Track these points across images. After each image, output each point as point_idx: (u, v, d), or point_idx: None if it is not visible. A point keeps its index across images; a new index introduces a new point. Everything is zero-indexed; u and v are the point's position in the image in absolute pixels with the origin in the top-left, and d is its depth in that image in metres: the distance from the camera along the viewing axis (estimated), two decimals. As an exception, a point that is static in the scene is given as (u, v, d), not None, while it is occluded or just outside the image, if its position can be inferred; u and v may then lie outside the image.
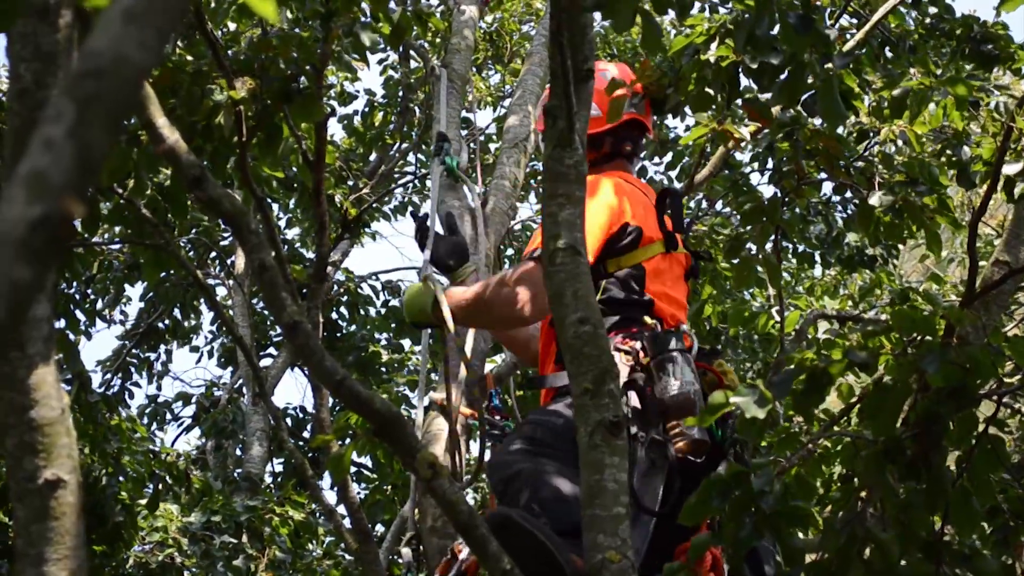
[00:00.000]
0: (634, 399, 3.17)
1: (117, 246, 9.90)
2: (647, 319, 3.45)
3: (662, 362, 3.21)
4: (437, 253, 3.93)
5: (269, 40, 4.28)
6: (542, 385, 3.53)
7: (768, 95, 3.74)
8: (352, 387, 2.07)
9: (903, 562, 2.28)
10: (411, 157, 13.04)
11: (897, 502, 2.27)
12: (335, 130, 18.66)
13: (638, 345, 3.29)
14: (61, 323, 8.55)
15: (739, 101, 4.11)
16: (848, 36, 5.65)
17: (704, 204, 9.43)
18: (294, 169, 7.88)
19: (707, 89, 3.84)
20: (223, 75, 4.23)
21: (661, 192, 3.78)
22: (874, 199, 4.64)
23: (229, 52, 4.79)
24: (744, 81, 3.86)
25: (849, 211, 7.97)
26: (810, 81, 3.26)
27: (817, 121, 4.65)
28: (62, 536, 1.97)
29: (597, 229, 3.44)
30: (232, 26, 7.19)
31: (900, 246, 8.04)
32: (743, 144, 5.65)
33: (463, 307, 3.50)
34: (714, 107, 4.14)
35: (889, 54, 6.43)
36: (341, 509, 6.15)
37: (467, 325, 3.72)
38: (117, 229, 8.18)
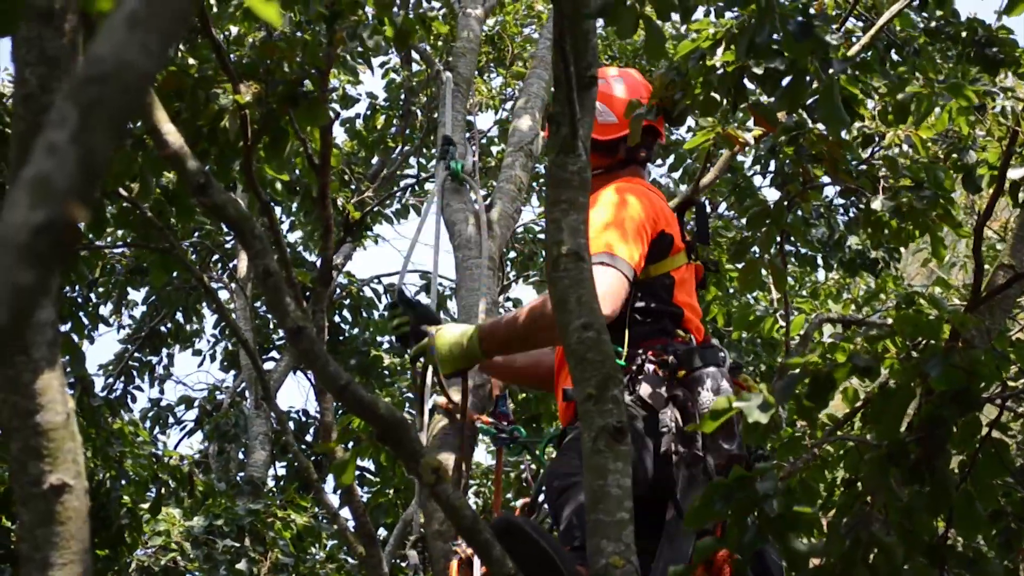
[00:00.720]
0: (676, 415, 3.18)
1: (120, 249, 9.90)
2: (680, 332, 3.45)
3: (700, 376, 3.22)
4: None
5: (274, 43, 4.28)
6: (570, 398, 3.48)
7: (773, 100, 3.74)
8: (356, 392, 2.07)
9: (907, 566, 2.28)
10: (413, 160, 13.05)
11: (900, 506, 2.27)
12: (337, 133, 18.70)
13: (671, 358, 3.29)
14: (67, 326, 8.56)
15: (744, 105, 4.11)
16: (854, 40, 5.65)
17: (707, 207, 9.44)
18: (297, 172, 7.88)
19: (713, 94, 3.84)
20: (228, 79, 4.23)
21: (684, 202, 3.79)
22: (876, 203, 4.64)
23: (233, 56, 4.79)
24: (750, 85, 3.87)
25: (852, 214, 7.97)
26: (814, 87, 3.25)
27: (821, 125, 4.65)
28: (68, 541, 1.97)
29: (637, 235, 3.42)
30: (235, 29, 7.19)
31: (902, 249, 8.04)
32: (747, 148, 5.66)
33: (512, 334, 3.40)
34: (719, 112, 4.15)
35: (895, 57, 6.42)
36: (344, 512, 6.16)
37: (516, 350, 3.63)
38: (120, 232, 8.18)
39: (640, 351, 3.32)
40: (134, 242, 5.84)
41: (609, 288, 3.22)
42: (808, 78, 3.24)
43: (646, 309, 3.44)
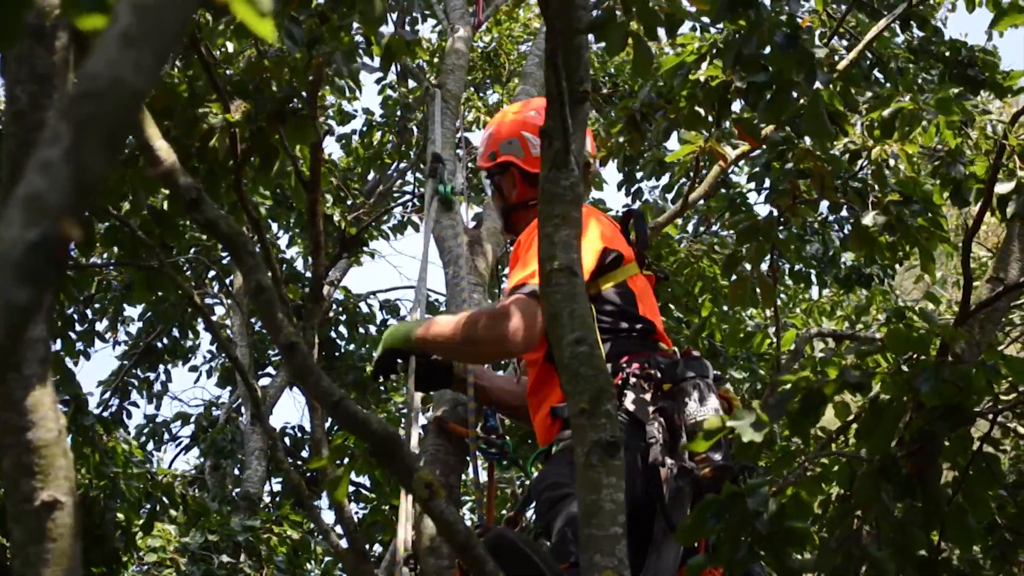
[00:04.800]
0: (662, 427, 3.18)
1: (111, 268, 9.88)
2: (663, 345, 3.47)
3: (685, 389, 3.23)
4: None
5: (262, 62, 4.29)
6: (560, 415, 3.48)
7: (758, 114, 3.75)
8: (348, 407, 2.07)
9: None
10: (409, 176, 13.06)
11: (892, 521, 2.27)
12: (333, 149, 18.72)
13: (656, 372, 3.30)
14: (57, 345, 8.54)
15: (729, 120, 4.13)
16: (838, 58, 5.67)
17: (700, 224, 9.44)
18: (290, 189, 7.88)
19: (698, 108, 3.86)
20: (218, 97, 4.23)
21: (625, 214, 3.84)
22: (867, 218, 4.66)
23: (227, 73, 4.79)
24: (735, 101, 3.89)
25: (846, 230, 7.98)
26: (800, 101, 3.26)
27: (808, 140, 4.65)
28: (59, 557, 1.97)
29: (592, 252, 3.46)
30: (229, 46, 7.20)
31: (897, 265, 8.05)
32: (732, 163, 5.67)
33: (442, 340, 3.52)
34: (703, 127, 4.17)
35: (879, 75, 6.45)
36: (339, 528, 6.14)
37: (443, 356, 3.71)
38: (115, 250, 8.17)
39: (625, 364, 3.33)
40: (123, 260, 5.82)
41: (522, 320, 3.31)
42: (793, 92, 3.26)
43: (619, 325, 3.47)
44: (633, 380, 3.28)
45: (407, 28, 10.30)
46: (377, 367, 3.69)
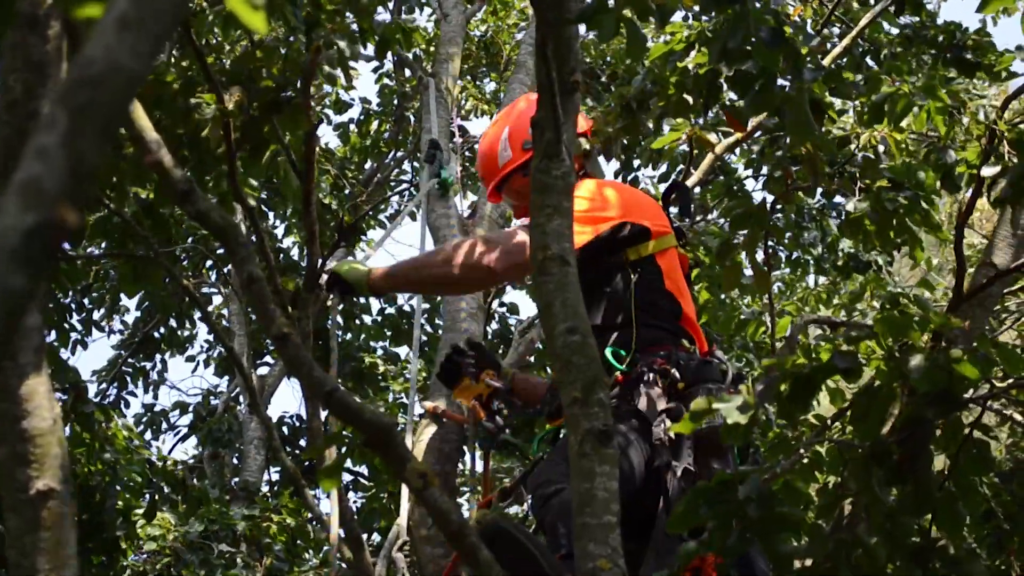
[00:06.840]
0: (668, 428, 3.18)
1: (104, 259, 9.86)
2: (685, 342, 3.46)
3: (697, 392, 3.22)
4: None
5: (255, 51, 4.28)
6: None
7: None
8: (342, 398, 2.08)
9: (891, 567, 2.29)
10: (406, 165, 13.05)
11: (882, 508, 2.28)
12: (330, 138, 18.67)
13: (675, 371, 3.29)
14: (52, 335, 8.51)
15: (717, 107, 4.14)
16: (830, 45, 5.66)
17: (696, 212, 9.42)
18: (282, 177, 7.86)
19: (686, 96, 3.86)
20: (211, 87, 4.22)
21: (669, 186, 3.83)
22: (850, 204, 4.67)
23: (218, 62, 4.77)
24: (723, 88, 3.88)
25: (843, 216, 7.96)
26: (785, 92, 3.25)
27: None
28: (55, 546, 1.97)
29: (588, 222, 3.47)
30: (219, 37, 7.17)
31: (896, 252, 8.05)
32: (726, 151, 5.67)
33: (407, 276, 3.70)
34: (692, 114, 4.17)
35: (872, 64, 6.44)
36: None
37: (408, 290, 3.80)
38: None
39: (643, 359, 3.33)
40: (114, 251, 5.80)
41: (517, 246, 3.43)
42: (780, 82, 3.25)
43: (647, 302, 3.45)
44: (648, 377, 3.28)
45: (402, 17, 10.26)
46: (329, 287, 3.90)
